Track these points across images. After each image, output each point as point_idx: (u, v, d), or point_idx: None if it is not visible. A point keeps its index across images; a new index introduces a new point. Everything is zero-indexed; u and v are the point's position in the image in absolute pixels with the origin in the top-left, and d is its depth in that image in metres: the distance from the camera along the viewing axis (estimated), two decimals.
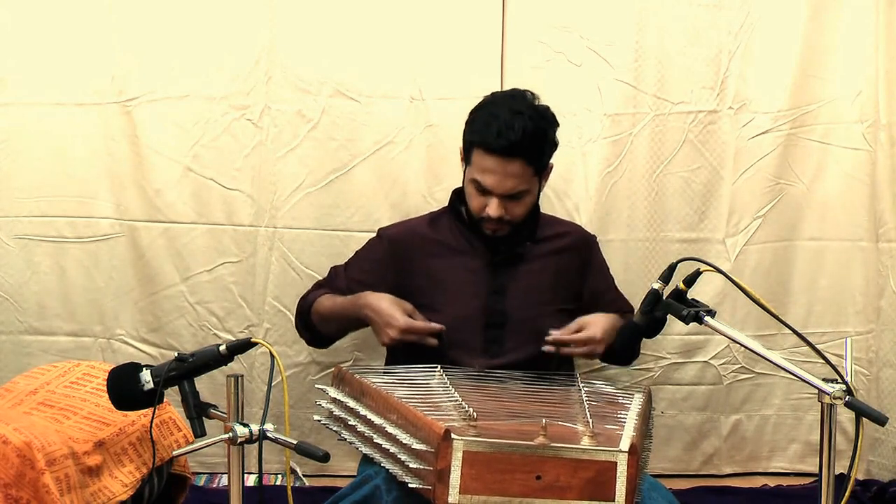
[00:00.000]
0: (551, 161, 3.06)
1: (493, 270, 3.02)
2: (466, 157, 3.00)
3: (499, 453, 2.21)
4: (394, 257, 3.08)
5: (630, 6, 3.62)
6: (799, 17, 3.66)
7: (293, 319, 3.36)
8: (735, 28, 3.64)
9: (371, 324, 2.94)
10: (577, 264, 3.14)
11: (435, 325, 2.89)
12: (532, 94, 3.00)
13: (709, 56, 3.65)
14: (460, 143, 3.08)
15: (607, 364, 3.44)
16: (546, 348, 2.91)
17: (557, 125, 3.03)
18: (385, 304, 2.90)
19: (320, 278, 3.59)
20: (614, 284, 3.27)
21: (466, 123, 3.03)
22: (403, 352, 2.95)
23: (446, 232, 3.10)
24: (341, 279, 3.16)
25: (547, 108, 3.00)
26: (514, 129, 2.87)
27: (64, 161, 3.58)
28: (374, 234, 3.26)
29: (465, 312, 2.95)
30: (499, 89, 3.54)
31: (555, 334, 2.91)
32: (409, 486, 2.30)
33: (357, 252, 3.23)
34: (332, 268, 3.26)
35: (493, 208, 2.93)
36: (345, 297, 3.05)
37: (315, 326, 3.15)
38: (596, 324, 2.93)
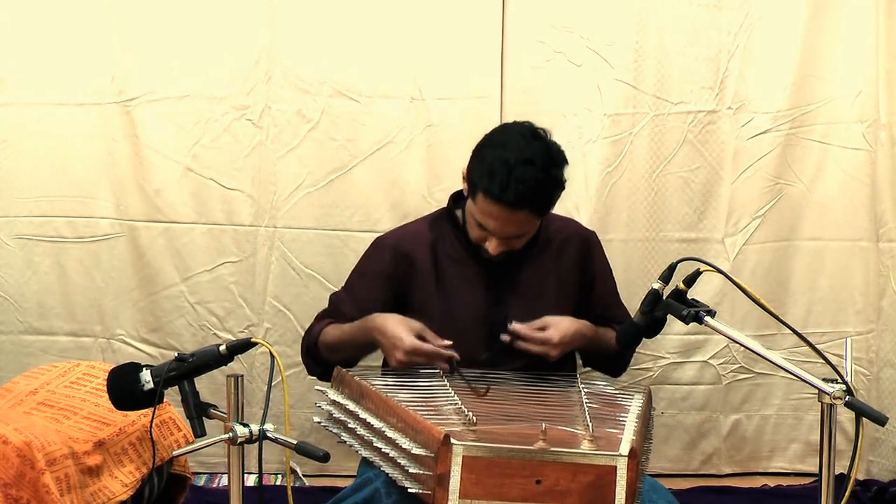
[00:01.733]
0: None
1: (493, 279, 2.97)
2: (471, 190, 2.83)
3: (498, 458, 2.21)
4: (395, 264, 2.97)
5: (630, 6, 3.62)
6: (799, 17, 3.66)
7: (300, 348, 3.18)
8: (735, 28, 3.65)
9: (380, 346, 2.83)
10: (575, 261, 3.07)
11: (444, 352, 2.76)
12: (545, 131, 2.84)
13: (708, 56, 3.66)
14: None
15: (599, 372, 3.41)
16: (504, 337, 2.86)
17: (567, 163, 2.85)
18: (391, 325, 2.77)
19: (321, 278, 3.61)
20: (615, 291, 3.16)
21: (473, 157, 2.85)
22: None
23: (445, 238, 3.02)
24: (346, 304, 3.00)
25: (559, 150, 2.83)
26: (523, 182, 2.71)
27: (64, 161, 3.58)
28: (374, 235, 3.21)
29: (466, 322, 2.90)
30: (499, 89, 3.55)
31: (515, 326, 2.87)
32: (409, 490, 2.29)
33: (354, 270, 3.09)
34: (331, 296, 3.10)
35: (492, 247, 2.83)
36: (352, 324, 2.91)
37: (325, 360, 2.97)
38: (558, 327, 2.85)
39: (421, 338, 2.77)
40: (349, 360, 2.96)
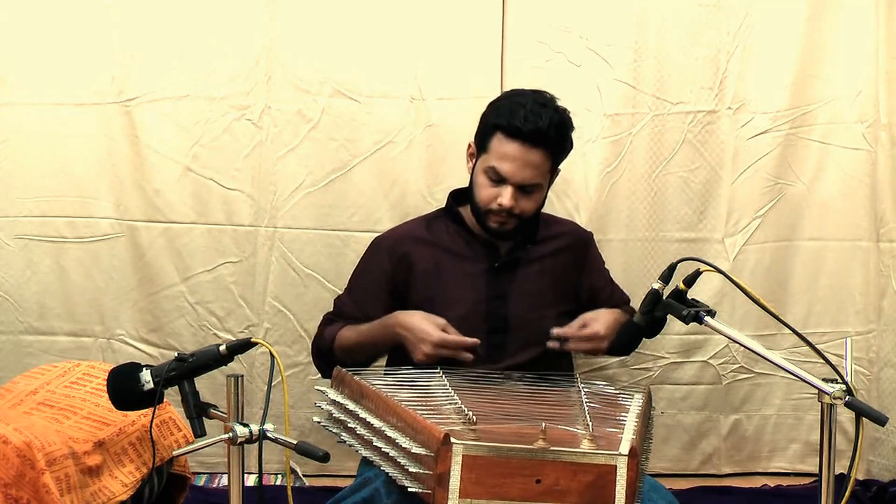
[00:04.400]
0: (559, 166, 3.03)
1: (494, 275, 2.99)
2: (482, 145, 2.93)
3: (498, 457, 2.21)
4: (392, 263, 3.02)
5: (630, 6, 3.62)
6: (799, 18, 3.66)
7: (305, 335, 3.22)
8: (734, 28, 3.65)
9: (404, 342, 2.85)
10: (574, 263, 3.11)
11: (468, 340, 2.81)
12: (552, 95, 2.96)
13: (708, 56, 3.66)
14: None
15: (608, 356, 3.43)
16: (550, 344, 2.88)
17: (574, 128, 2.98)
18: (417, 320, 2.82)
19: (321, 278, 3.60)
20: (610, 278, 3.24)
21: (486, 113, 2.96)
22: (405, 354, 2.92)
23: (444, 235, 3.05)
24: (349, 307, 3.05)
25: (567, 110, 2.96)
26: (541, 118, 2.85)
27: (64, 161, 3.58)
28: (373, 234, 3.22)
29: (466, 318, 2.92)
30: (499, 89, 3.55)
31: (559, 330, 2.89)
32: (409, 490, 2.30)
33: (354, 272, 3.13)
34: (335, 299, 3.14)
35: (506, 198, 2.87)
36: (370, 324, 2.95)
37: (341, 362, 2.95)
38: (599, 320, 2.90)
39: (445, 333, 2.82)
40: (366, 362, 3.00)
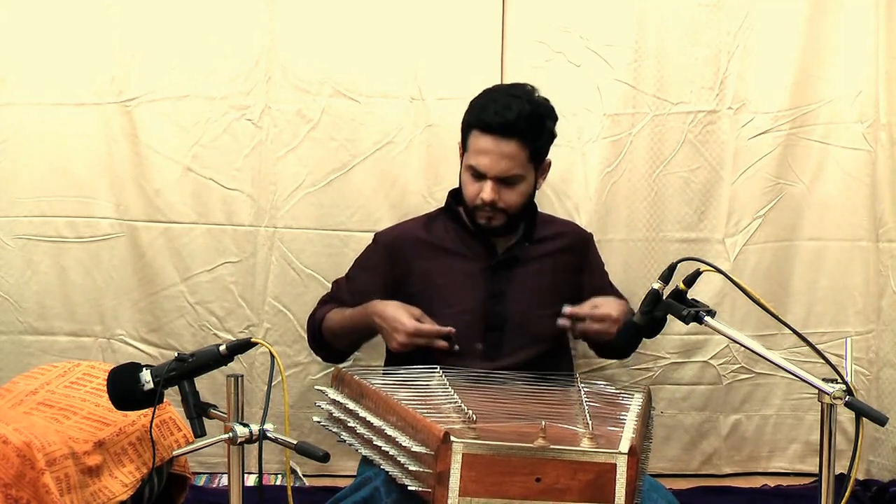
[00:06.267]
0: (549, 158, 3.05)
1: (492, 274, 3.00)
2: (464, 144, 2.99)
3: (498, 456, 2.21)
4: (391, 261, 3.06)
5: (630, 6, 3.62)
6: (799, 17, 3.66)
7: (305, 335, 3.29)
8: (734, 28, 3.65)
9: (380, 331, 2.91)
10: (574, 264, 3.12)
11: (443, 329, 2.86)
12: (532, 87, 3.01)
13: (708, 56, 3.66)
14: (458, 139, 3.07)
15: (606, 359, 3.43)
16: (561, 322, 2.89)
17: (556, 118, 3.02)
18: (392, 310, 2.87)
19: (321, 278, 3.60)
20: (609, 282, 3.25)
21: (465, 112, 3.03)
22: (405, 353, 2.93)
23: (443, 234, 3.07)
24: (344, 292, 3.13)
25: (546, 100, 3.01)
26: (510, 109, 2.90)
27: (64, 161, 3.58)
28: (373, 234, 3.25)
29: (463, 316, 2.93)
30: None
31: (571, 309, 2.90)
32: (409, 488, 2.30)
33: (356, 261, 3.20)
34: (334, 281, 3.22)
35: (486, 192, 2.92)
36: (353, 309, 3.01)
37: (329, 344, 3.11)
38: (611, 305, 2.93)
39: (419, 322, 2.86)
40: (351, 345, 3.11)
